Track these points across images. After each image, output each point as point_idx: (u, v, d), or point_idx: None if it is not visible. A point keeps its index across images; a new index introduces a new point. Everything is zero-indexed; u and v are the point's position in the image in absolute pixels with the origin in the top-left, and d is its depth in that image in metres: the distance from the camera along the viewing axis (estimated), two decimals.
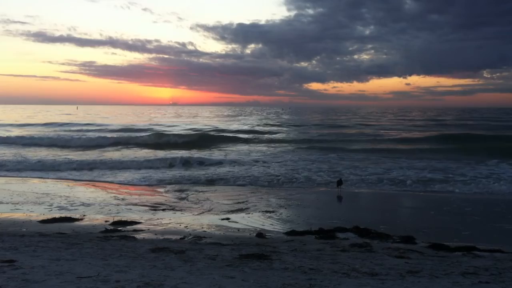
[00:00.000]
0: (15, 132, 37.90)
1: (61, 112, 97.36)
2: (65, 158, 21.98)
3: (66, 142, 30.52)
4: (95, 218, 10.12)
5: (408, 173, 17.09)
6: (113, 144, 30.31)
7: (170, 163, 20.30)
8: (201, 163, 20.62)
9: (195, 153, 24.20)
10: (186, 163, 20.54)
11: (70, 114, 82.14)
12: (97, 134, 35.52)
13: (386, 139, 32.80)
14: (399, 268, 5.80)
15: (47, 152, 25.33)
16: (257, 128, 44.63)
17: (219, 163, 20.54)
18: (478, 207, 11.91)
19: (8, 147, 27.76)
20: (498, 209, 11.54)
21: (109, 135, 34.64)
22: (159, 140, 31.79)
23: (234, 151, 26.04)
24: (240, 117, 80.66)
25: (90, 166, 19.41)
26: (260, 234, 8.63)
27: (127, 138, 32.36)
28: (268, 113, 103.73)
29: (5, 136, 33.11)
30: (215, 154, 24.41)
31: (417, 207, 12.08)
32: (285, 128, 45.81)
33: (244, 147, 28.31)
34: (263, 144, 30.50)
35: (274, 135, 36.53)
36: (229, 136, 35.14)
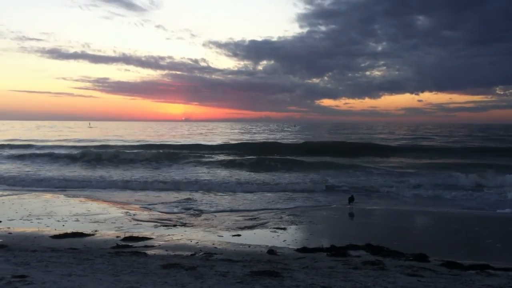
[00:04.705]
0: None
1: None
2: None
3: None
4: (107, 234, 10.14)
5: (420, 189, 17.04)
6: None
7: None
8: None
9: None
10: None
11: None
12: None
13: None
14: (411, 287, 5.73)
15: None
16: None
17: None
18: (492, 225, 11.78)
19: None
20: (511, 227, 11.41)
21: None
22: None
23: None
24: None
25: None
26: (271, 250, 8.59)
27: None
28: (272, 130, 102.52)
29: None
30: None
31: (429, 224, 11.95)
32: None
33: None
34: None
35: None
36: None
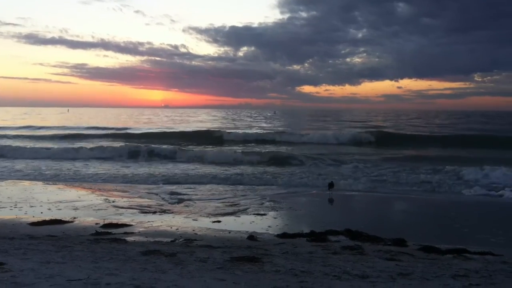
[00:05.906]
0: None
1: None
2: None
3: None
4: (86, 221, 10.05)
5: (402, 175, 17.21)
6: None
7: None
8: None
9: None
10: None
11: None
12: None
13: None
14: (390, 271, 5.82)
15: None
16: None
17: None
18: (469, 210, 11.99)
19: None
20: (488, 212, 11.63)
21: None
22: None
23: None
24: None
25: None
26: (252, 236, 8.61)
27: None
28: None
29: None
30: None
31: (408, 210, 12.13)
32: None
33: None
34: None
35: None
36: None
